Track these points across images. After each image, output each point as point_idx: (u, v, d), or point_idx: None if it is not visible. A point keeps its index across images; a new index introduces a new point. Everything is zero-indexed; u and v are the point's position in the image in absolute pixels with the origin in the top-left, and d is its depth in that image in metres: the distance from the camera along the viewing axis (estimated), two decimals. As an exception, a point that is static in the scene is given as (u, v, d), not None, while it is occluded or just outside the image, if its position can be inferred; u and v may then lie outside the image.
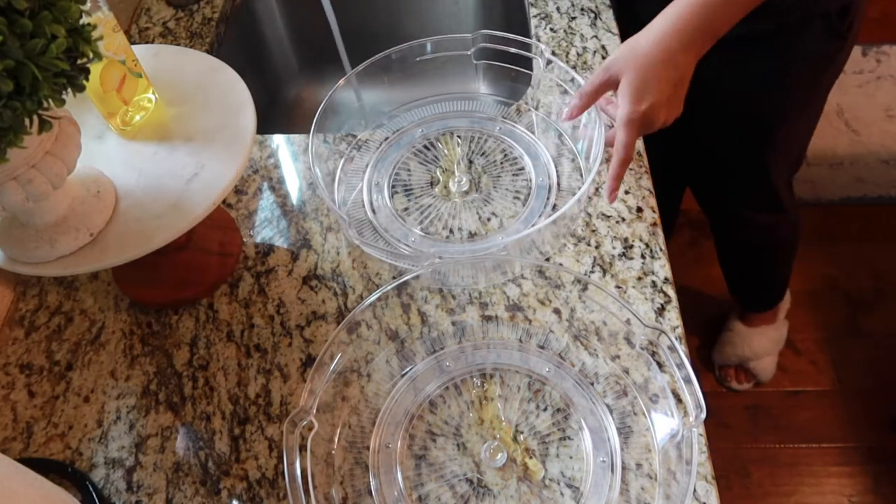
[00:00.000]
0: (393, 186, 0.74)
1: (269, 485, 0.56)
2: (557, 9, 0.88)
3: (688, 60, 0.61)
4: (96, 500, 0.55)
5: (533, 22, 0.87)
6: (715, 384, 1.46)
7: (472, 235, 0.69)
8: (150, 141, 0.61)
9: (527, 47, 0.73)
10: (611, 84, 0.63)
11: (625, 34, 0.84)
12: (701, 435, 0.54)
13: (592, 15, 0.87)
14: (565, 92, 0.75)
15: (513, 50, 0.74)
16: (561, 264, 0.65)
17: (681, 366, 0.54)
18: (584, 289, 0.63)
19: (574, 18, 0.87)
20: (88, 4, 0.54)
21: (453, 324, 0.63)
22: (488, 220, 0.70)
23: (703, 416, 0.50)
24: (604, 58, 0.81)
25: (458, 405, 0.59)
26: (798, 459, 1.36)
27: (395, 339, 0.62)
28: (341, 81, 0.73)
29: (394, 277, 0.66)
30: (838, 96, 1.86)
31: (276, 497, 0.55)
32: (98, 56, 0.47)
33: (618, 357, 0.59)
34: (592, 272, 0.65)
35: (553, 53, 0.83)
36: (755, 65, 0.81)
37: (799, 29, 0.78)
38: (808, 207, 1.68)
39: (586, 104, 0.65)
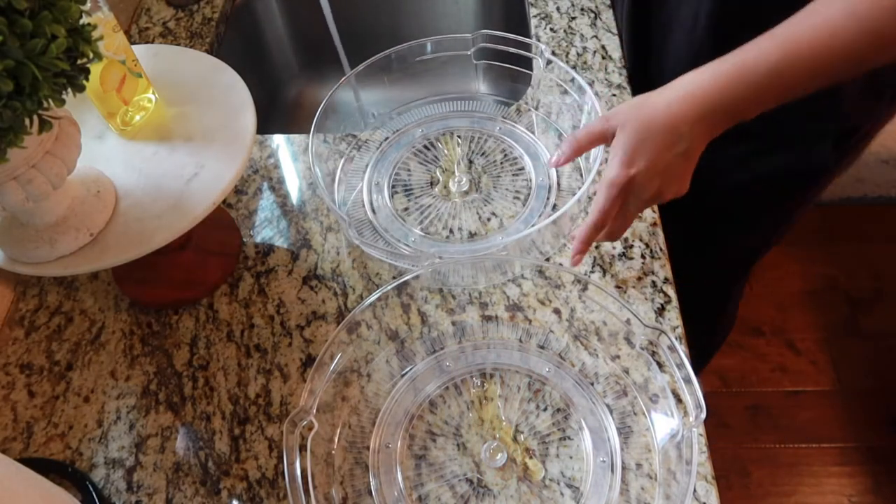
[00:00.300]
0: (393, 186, 0.74)
1: (269, 485, 0.56)
2: (557, 9, 0.88)
3: (698, 133, 0.53)
4: (96, 500, 0.55)
5: (533, 22, 0.87)
6: (715, 384, 1.46)
7: (472, 235, 0.69)
8: (150, 141, 0.61)
9: (527, 47, 0.73)
10: (607, 136, 0.56)
11: (628, 35, 0.83)
12: (701, 435, 0.54)
13: (592, 15, 0.87)
14: (565, 92, 0.75)
15: (513, 50, 0.74)
16: (561, 264, 0.65)
17: (681, 366, 0.54)
18: (584, 289, 0.63)
19: (574, 18, 0.87)
20: (88, 4, 0.54)
21: (453, 324, 0.63)
22: (488, 220, 0.70)
23: (703, 416, 0.50)
24: (603, 58, 0.81)
25: (458, 405, 0.59)
26: (798, 459, 1.36)
27: (395, 339, 0.62)
28: (342, 81, 0.73)
29: (394, 277, 0.66)
30: (838, 96, 1.86)
31: (276, 497, 0.55)
32: (98, 56, 0.47)
33: (618, 357, 0.59)
34: (592, 272, 0.65)
35: (553, 53, 0.83)
36: (734, 153, 0.73)
37: (790, 138, 0.73)
38: (808, 207, 1.69)
39: (577, 153, 0.59)
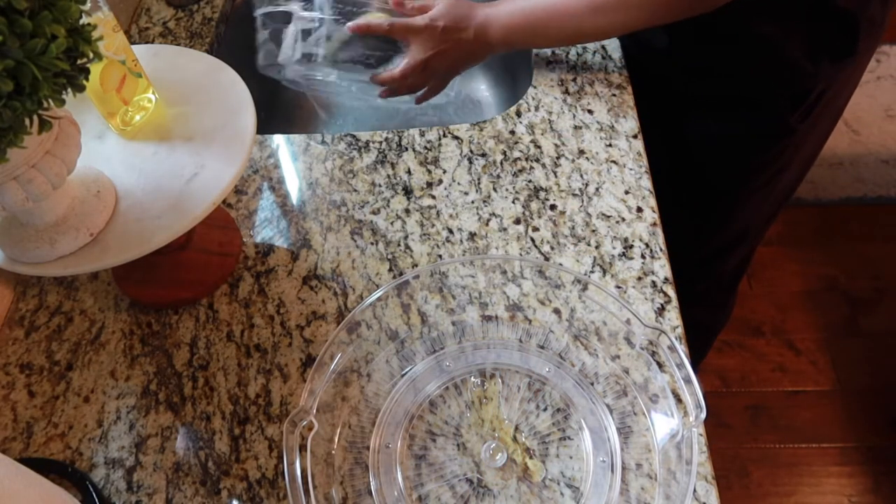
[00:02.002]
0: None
1: (269, 485, 0.56)
2: (557, 9, 0.88)
3: (478, 35, 0.73)
4: (96, 500, 0.55)
5: (533, 22, 0.87)
6: (715, 384, 1.46)
7: (472, 236, 0.69)
8: (150, 141, 0.61)
9: (527, 47, 0.73)
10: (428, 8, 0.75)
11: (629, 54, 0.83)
12: (701, 435, 0.54)
13: (592, 15, 0.87)
14: (566, 92, 0.75)
15: (513, 50, 0.74)
16: (561, 264, 0.65)
17: (681, 366, 0.54)
18: (584, 289, 0.63)
19: (574, 18, 0.87)
20: (88, 4, 0.54)
21: (453, 324, 0.63)
22: (488, 221, 0.70)
23: (703, 416, 0.51)
24: (603, 58, 0.81)
25: (458, 405, 0.59)
26: (798, 459, 1.36)
27: (395, 339, 0.62)
28: None
29: (394, 277, 0.66)
30: (838, 96, 1.86)
31: (276, 497, 0.55)
32: (98, 56, 0.47)
33: (618, 357, 0.59)
34: (592, 272, 0.65)
35: (553, 53, 0.83)
36: (704, 120, 0.84)
37: (746, 101, 0.78)
38: (808, 207, 1.69)
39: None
